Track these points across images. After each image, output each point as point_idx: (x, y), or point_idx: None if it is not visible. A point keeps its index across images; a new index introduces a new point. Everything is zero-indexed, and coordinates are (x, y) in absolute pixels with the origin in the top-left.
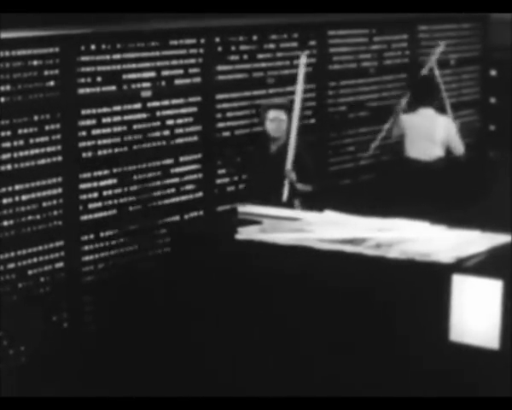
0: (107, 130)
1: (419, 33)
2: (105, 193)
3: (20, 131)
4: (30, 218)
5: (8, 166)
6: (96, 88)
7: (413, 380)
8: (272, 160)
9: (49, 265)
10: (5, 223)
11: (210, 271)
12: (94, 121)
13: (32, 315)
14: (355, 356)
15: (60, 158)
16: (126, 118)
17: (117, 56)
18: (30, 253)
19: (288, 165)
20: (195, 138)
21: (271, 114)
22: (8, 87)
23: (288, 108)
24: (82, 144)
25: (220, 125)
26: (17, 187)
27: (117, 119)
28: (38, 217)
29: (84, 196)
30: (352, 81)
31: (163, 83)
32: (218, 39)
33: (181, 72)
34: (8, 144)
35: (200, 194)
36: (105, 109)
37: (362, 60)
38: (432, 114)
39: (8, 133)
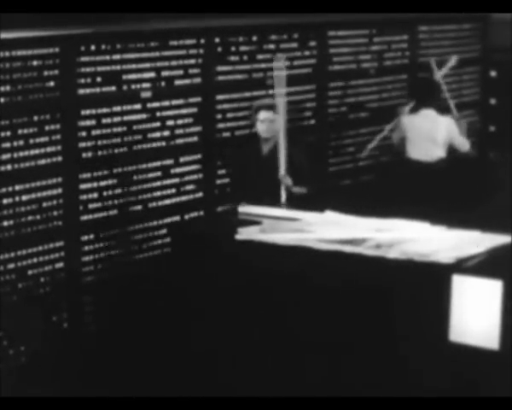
0: (107, 130)
1: (419, 34)
2: (105, 193)
3: (20, 132)
4: (30, 218)
5: (8, 167)
6: (96, 88)
7: (413, 380)
8: (265, 161)
9: (49, 265)
10: (5, 223)
11: (210, 271)
12: (94, 122)
13: (32, 315)
14: (355, 356)
15: (60, 158)
16: (126, 118)
17: (117, 57)
18: (30, 253)
19: (282, 170)
20: (195, 139)
21: (262, 114)
22: (8, 87)
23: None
24: (82, 145)
25: (220, 125)
26: (17, 187)
27: (117, 119)
28: (38, 217)
29: (84, 197)
30: (352, 82)
31: (163, 83)
32: (217, 40)
33: (181, 72)
34: (8, 145)
35: (200, 194)
36: (105, 110)
37: (362, 60)
38: (433, 114)
39: (8, 133)
